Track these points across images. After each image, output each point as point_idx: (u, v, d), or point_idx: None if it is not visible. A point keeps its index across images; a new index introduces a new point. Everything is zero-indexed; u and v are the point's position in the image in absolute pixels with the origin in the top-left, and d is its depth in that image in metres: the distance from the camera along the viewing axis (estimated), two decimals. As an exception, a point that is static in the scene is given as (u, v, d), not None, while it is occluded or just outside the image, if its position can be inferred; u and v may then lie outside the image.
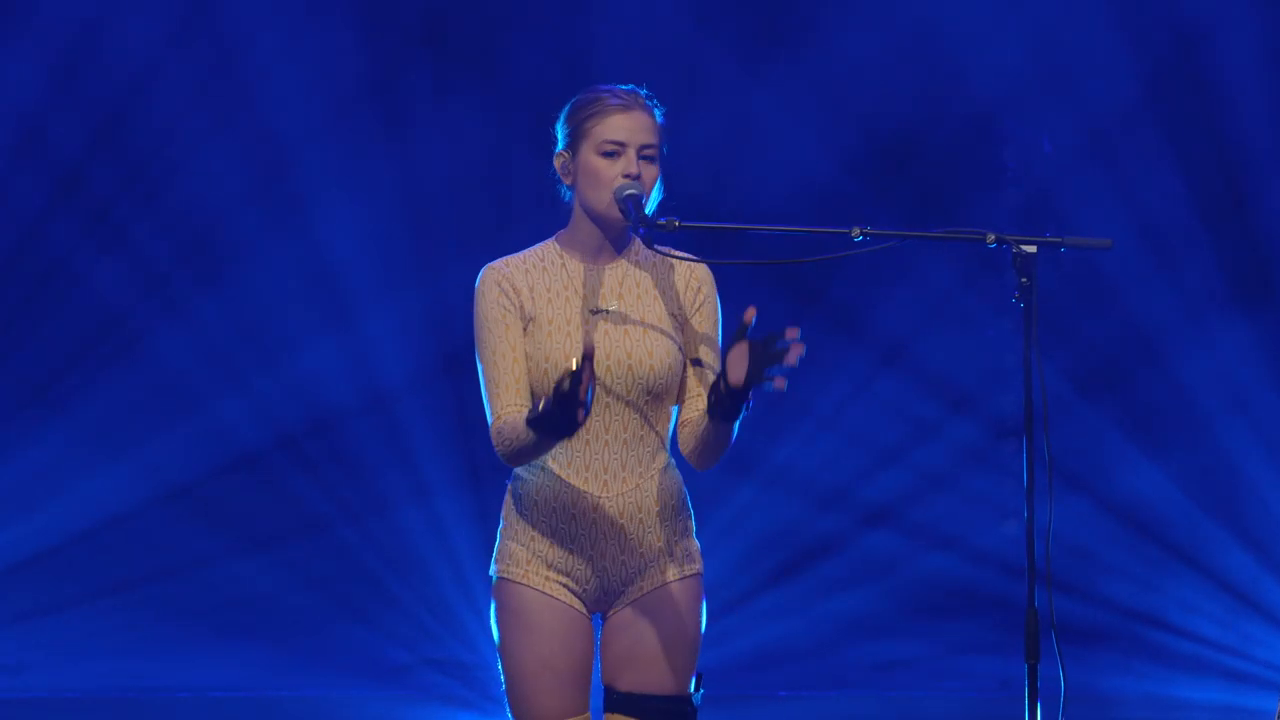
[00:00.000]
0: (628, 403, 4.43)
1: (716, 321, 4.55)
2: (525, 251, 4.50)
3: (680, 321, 4.51)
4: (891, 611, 9.35)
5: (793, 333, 4.21)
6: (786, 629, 9.21)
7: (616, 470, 4.44)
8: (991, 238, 4.38)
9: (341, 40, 9.09)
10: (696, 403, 4.48)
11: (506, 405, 4.39)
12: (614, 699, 4.46)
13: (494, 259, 4.51)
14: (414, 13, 9.17)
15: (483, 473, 9.13)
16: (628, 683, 4.46)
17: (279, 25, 9.00)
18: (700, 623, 4.51)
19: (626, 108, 4.46)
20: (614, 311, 4.45)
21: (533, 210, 8.48)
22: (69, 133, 9.02)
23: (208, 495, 9.17)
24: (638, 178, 4.41)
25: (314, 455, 9.17)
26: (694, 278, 4.52)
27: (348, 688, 8.96)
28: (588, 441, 4.42)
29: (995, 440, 9.42)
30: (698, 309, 4.52)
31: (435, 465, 9.17)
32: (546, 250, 4.51)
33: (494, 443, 4.37)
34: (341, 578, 9.18)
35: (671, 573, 4.49)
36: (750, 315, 4.22)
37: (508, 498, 4.50)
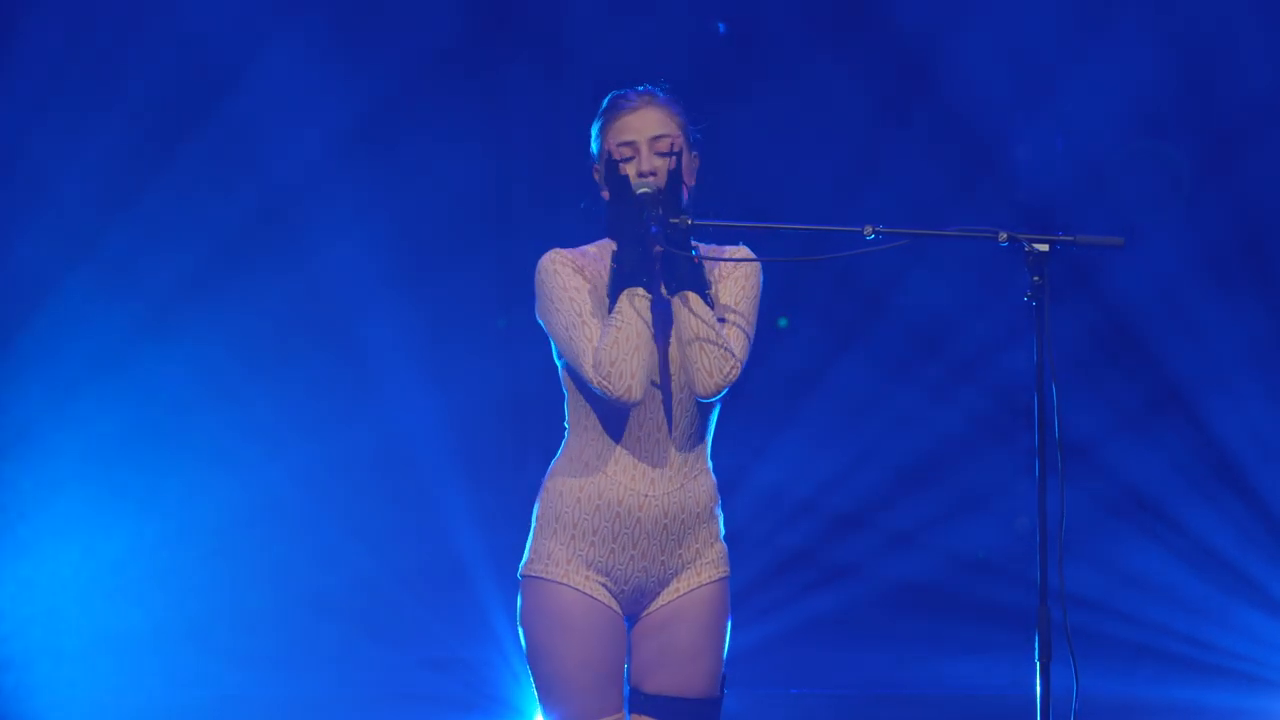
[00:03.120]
0: (678, 401, 4.43)
1: (741, 292, 4.51)
2: (580, 247, 4.52)
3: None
4: (901, 610, 9.35)
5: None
6: (792, 627, 9.21)
7: (663, 469, 4.43)
8: (1004, 236, 4.38)
9: (338, 65, 9.07)
10: None
11: (595, 333, 4.35)
12: (640, 700, 4.46)
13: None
14: (414, 33, 9.14)
15: (482, 470, 9.12)
16: (655, 684, 4.45)
17: (273, 48, 8.98)
18: (727, 626, 4.51)
19: (635, 107, 4.48)
20: (664, 310, 4.45)
21: (535, 229, 8.50)
22: (62, 158, 8.99)
23: (205, 504, 9.16)
24: (653, 174, 4.42)
25: (309, 459, 9.16)
26: (730, 260, 4.53)
27: (349, 686, 8.97)
28: (638, 439, 4.42)
29: (1002, 439, 9.41)
30: (722, 280, 4.52)
31: (432, 464, 9.16)
32: (601, 248, 4.52)
33: (597, 372, 4.29)
34: (341, 578, 9.17)
35: (706, 575, 4.49)
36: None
37: (544, 496, 4.47)
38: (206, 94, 8.99)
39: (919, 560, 9.37)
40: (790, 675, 9.03)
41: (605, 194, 4.47)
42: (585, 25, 9.08)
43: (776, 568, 9.21)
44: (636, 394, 4.27)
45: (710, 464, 4.52)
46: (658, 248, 4.43)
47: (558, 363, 4.50)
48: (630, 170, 4.44)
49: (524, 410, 8.95)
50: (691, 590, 4.47)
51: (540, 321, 4.45)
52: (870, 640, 9.30)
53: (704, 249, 4.51)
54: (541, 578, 4.41)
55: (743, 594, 8.13)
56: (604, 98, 4.57)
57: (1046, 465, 4.23)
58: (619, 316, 4.29)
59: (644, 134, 4.45)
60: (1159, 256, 9.11)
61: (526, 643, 4.43)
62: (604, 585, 4.41)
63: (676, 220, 4.38)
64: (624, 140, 4.45)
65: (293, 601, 9.10)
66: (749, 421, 9.20)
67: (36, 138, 8.94)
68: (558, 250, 4.47)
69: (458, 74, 9.11)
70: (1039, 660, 4.20)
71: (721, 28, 9.28)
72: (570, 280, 4.40)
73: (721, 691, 4.50)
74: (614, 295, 4.33)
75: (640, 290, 4.32)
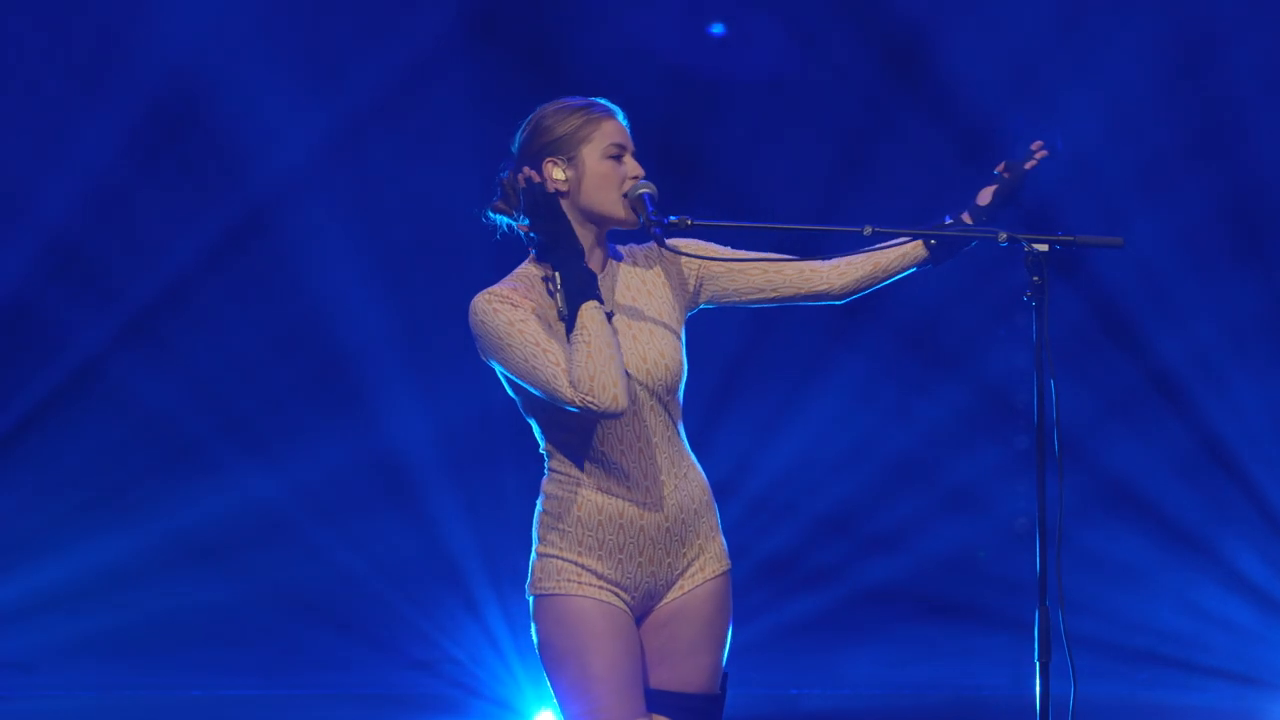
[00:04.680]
0: (653, 405, 4.42)
1: (720, 248, 4.57)
2: (508, 279, 4.45)
3: (680, 307, 4.51)
4: (900, 610, 9.35)
5: (1038, 147, 4.53)
6: (793, 627, 9.21)
7: (655, 475, 4.42)
8: (1003, 236, 4.38)
9: (328, 76, 9.06)
10: (841, 262, 4.56)
11: (559, 355, 4.30)
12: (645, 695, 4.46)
13: (488, 282, 4.46)
14: (402, 42, 9.12)
15: (469, 471, 9.12)
16: (658, 680, 4.46)
17: (259, 59, 8.96)
18: (729, 621, 4.51)
19: (613, 115, 4.47)
20: (619, 316, 4.44)
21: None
22: (45, 180, 8.98)
23: (198, 509, 9.17)
24: (646, 178, 4.43)
25: (293, 466, 9.16)
26: (678, 254, 4.53)
27: (341, 688, 8.97)
28: (623, 453, 4.40)
29: (1004, 441, 9.40)
30: (704, 260, 4.53)
31: (418, 466, 9.16)
32: (528, 274, 4.45)
33: (577, 391, 4.23)
34: (332, 583, 9.17)
35: (710, 570, 4.49)
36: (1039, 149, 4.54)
37: (543, 517, 4.44)
38: (197, 101, 8.98)
39: (915, 560, 9.37)
40: (789, 675, 9.03)
41: (564, 188, 4.40)
42: (575, 30, 9.07)
43: (772, 568, 9.21)
44: (623, 401, 4.25)
45: (693, 456, 4.51)
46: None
47: (515, 398, 4.47)
48: (620, 170, 4.42)
49: (513, 413, 8.92)
50: (696, 587, 4.47)
51: (491, 363, 4.40)
52: (869, 640, 9.30)
53: (679, 249, 4.50)
54: (556, 594, 4.40)
55: (738, 594, 8.14)
56: (547, 103, 4.51)
57: (1045, 465, 4.23)
58: (584, 332, 4.26)
59: (629, 145, 4.46)
60: (1143, 245, 9.10)
61: (549, 657, 4.40)
62: (616, 594, 4.41)
63: (677, 220, 4.38)
64: (617, 141, 4.44)
65: (287, 605, 9.11)
66: (744, 422, 9.20)
67: (20, 147, 8.93)
68: (488, 291, 4.39)
69: (446, 81, 9.10)
70: (1038, 660, 4.19)
71: (719, 29, 9.28)
72: (511, 315, 4.33)
73: (723, 689, 4.50)
74: (571, 312, 4.30)
75: (593, 302, 4.30)
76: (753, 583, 9.10)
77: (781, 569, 9.24)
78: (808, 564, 9.33)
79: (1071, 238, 4.35)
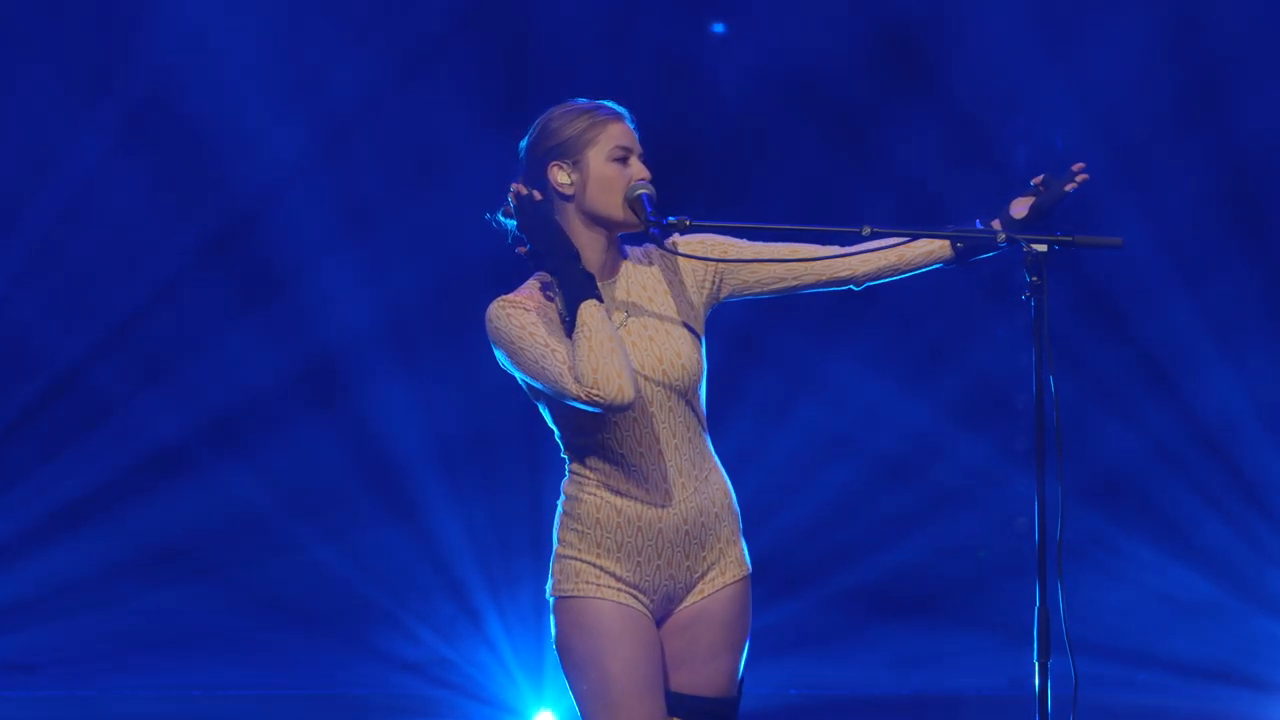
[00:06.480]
0: (672, 406, 4.42)
1: (737, 243, 4.55)
2: (521, 289, 4.45)
3: (699, 305, 4.51)
4: (901, 610, 9.35)
5: (1079, 169, 4.50)
6: (796, 626, 9.21)
7: (674, 478, 4.42)
8: (1002, 236, 4.38)
9: (324, 84, 9.07)
10: (868, 254, 4.53)
11: (566, 353, 4.30)
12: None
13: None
14: (396, 44, 9.13)
15: (462, 472, 9.12)
16: (677, 683, 4.46)
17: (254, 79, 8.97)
18: (749, 625, 4.52)
19: (621, 118, 4.48)
20: (632, 320, 4.44)
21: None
22: (29, 185, 8.98)
23: (189, 515, 9.18)
24: (650, 180, 4.43)
25: (289, 471, 9.16)
26: (692, 252, 4.53)
27: (338, 689, 8.99)
28: (641, 455, 4.40)
29: (1005, 442, 9.41)
30: (717, 263, 4.52)
31: (413, 467, 9.17)
32: (535, 283, 4.46)
33: (582, 385, 4.24)
34: (329, 585, 9.19)
35: (730, 574, 4.49)
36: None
37: (563, 518, 4.45)
38: (181, 104, 8.98)
39: (915, 560, 9.38)
40: (788, 675, 9.04)
41: (568, 191, 4.41)
42: (569, 29, 9.08)
43: (771, 567, 9.21)
44: (629, 392, 4.25)
45: (717, 458, 4.52)
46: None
47: (536, 402, 4.48)
48: (626, 173, 4.43)
49: (504, 412, 8.94)
50: (716, 591, 4.48)
51: (510, 369, 4.41)
52: (868, 640, 9.31)
53: (683, 253, 4.50)
54: (574, 596, 4.41)
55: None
56: (553, 106, 4.52)
57: (1045, 464, 4.23)
58: (583, 328, 4.27)
59: (636, 146, 4.46)
60: (1127, 235, 9.09)
61: (568, 661, 4.41)
62: (635, 597, 4.42)
63: (675, 221, 4.38)
64: (622, 144, 4.44)
65: (285, 608, 9.12)
66: (741, 421, 9.21)
67: (6, 152, 8.93)
68: (501, 298, 4.41)
69: (434, 82, 9.10)
70: (1038, 660, 4.19)
71: (720, 28, 9.28)
72: (523, 319, 4.35)
73: (739, 692, 4.51)
74: (570, 313, 4.31)
75: (591, 300, 4.31)
76: (752, 581, 9.10)
77: (780, 568, 9.25)
78: (807, 563, 9.33)
79: (1070, 238, 4.34)
